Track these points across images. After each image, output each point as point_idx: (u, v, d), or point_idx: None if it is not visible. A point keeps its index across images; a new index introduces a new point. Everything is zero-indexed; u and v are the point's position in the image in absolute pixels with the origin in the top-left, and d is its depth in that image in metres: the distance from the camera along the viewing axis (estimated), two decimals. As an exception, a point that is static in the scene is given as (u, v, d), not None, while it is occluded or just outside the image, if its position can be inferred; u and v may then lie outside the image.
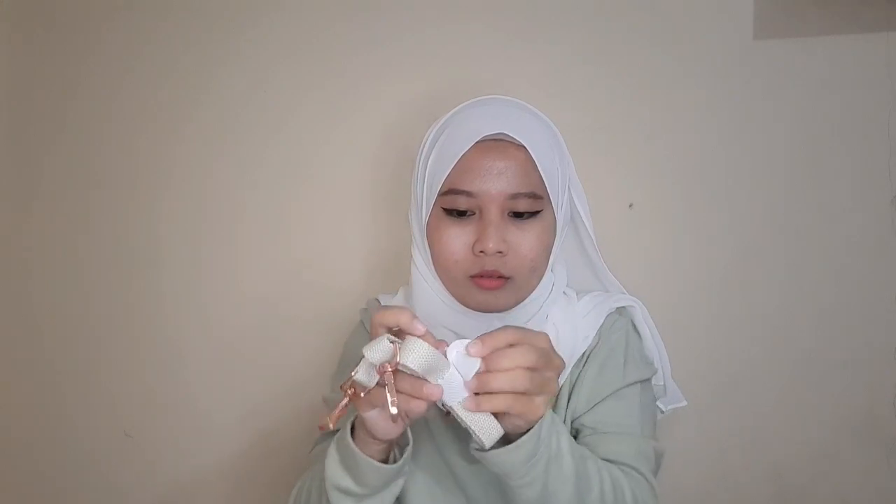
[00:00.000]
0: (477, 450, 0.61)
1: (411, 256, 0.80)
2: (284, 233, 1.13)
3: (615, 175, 1.01)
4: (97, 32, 1.19)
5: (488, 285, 0.72)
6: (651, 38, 0.99)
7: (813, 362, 0.96)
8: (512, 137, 0.71)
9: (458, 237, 0.72)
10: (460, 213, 0.72)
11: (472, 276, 0.73)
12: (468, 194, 0.71)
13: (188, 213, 1.16)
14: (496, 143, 0.72)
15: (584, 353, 0.78)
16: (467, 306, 0.75)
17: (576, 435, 0.75)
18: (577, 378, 0.77)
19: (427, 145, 0.76)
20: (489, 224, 0.70)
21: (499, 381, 0.56)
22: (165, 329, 1.17)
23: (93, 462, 1.20)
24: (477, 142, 0.71)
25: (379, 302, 0.88)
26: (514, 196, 0.71)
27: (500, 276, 0.72)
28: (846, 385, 0.95)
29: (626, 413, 0.75)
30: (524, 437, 0.58)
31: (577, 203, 0.80)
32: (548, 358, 0.59)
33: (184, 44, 1.16)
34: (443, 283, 0.76)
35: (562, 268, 0.82)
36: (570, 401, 0.76)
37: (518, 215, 0.72)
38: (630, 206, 1.01)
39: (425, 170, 0.75)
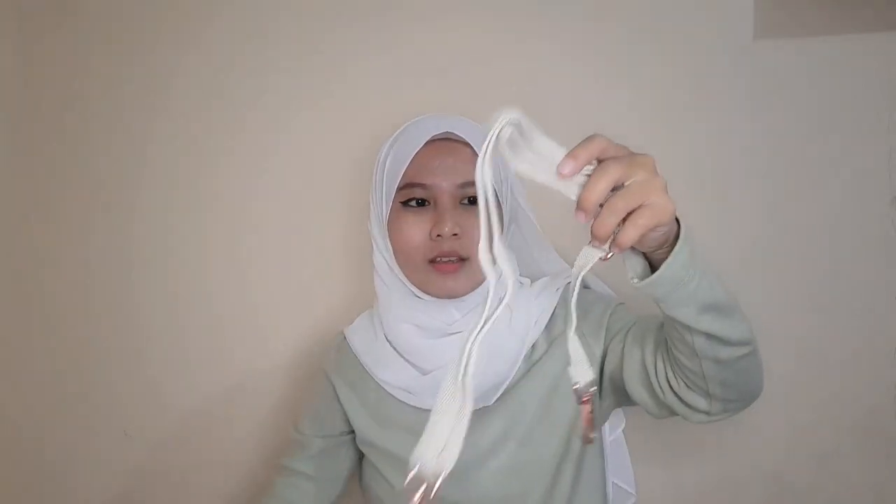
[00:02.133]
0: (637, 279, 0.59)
1: (373, 267, 0.86)
2: (285, 239, 1.13)
3: (615, 175, 1.01)
4: (82, 31, 1.19)
5: (446, 269, 0.80)
6: (650, 38, 0.99)
7: (813, 362, 0.96)
8: (458, 136, 0.80)
9: (416, 224, 0.80)
10: (419, 203, 0.81)
11: (431, 262, 0.80)
12: (423, 186, 0.80)
13: (195, 212, 1.17)
14: (444, 143, 0.81)
15: (548, 321, 0.84)
16: (429, 294, 0.82)
17: (617, 353, 0.78)
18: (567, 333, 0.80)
19: (382, 155, 0.85)
20: (444, 210, 0.79)
21: (608, 214, 0.50)
22: (165, 328, 1.17)
23: (93, 462, 1.20)
24: (427, 142, 0.80)
25: (345, 336, 0.93)
26: (464, 185, 0.79)
27: (459, 259, 0.79)
28: (846, 385, 0.95)
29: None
30: (679, 240, 0.57)
31: (519, 200, 0.87)
32: (627, 153, 0.53)
33: (169, 44, 1.16)
34: (405, 274, 0.83)
35: (514, 255, 0.87)
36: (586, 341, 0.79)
37: (470, 202, 0.80)
38: (630, 205, 1.01)
39: (383, 173, 0.83)
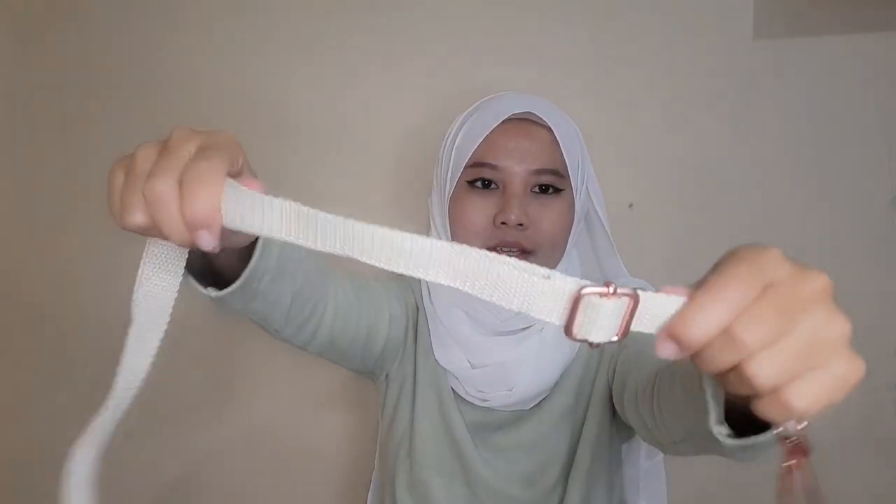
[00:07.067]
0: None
1: None
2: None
3: (615, 175, 1.01)
4: (91, 31, 1.19)
5: None
6: (651, 38, 0.99)
7: (813, 362, 0.96)
8: (538, 117, 0.74)
9: (480, 207, 0.73)
10: (485, 185, 0.74)
11: (492, 249, 0.72)
12: (493, 167, 0.73)
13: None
14: (522, 123, 0.74)
15: None
16: None
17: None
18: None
19: (454, 129, 0.78)
20: (512, 196, 0.72)
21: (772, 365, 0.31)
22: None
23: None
24: (504, 121, 0.73)
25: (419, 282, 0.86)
26: (538, 172, 0.73)
27: (523, 251, 0.72)
28: (846, 385, 0.95)
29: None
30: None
31: (592, 198, 0.81)
32: (796, 277, 0.34)
33: (190, 47, 1.16)
34: None
35: (577, 259, 0.83)
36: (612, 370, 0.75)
37: (542, 191, 0.74)
38: (630, 206, 1.01)
39: (452, 148, 0.77)
